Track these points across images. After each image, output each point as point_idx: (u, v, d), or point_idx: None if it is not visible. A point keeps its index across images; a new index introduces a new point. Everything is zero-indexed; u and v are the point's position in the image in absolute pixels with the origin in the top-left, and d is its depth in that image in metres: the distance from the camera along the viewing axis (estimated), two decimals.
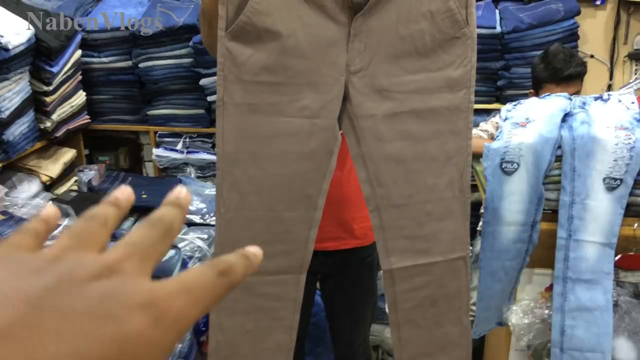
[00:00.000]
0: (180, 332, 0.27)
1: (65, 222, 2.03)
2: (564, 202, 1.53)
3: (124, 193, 0.34)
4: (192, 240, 2.25)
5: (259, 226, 1.18)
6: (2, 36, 2.01)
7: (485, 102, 2.75)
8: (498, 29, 2.59)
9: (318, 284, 1.85)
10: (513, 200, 1.57)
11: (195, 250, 2.23)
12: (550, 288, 1.65)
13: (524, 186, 1.56)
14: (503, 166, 1.57)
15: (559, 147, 1.53)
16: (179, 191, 0.34)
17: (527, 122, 1.62)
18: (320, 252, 1.68)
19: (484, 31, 2.58)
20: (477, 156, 1.78)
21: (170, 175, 2.94)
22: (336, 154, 1.17)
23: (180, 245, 2.16)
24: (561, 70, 2.00)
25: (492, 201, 1.59)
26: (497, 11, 2.70)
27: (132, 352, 0.24)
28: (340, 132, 1.17)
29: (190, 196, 0.34)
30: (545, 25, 2.59)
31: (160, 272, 1.87)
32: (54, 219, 0.33)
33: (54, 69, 2.38)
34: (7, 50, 2.05)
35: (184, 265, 2.02)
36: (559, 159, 1.54)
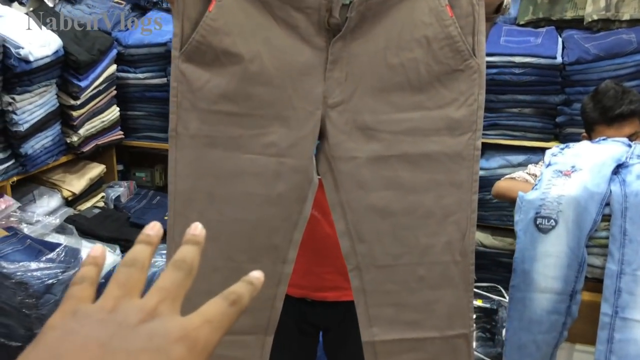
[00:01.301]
0: (208, 354, 0.36)
1: (66, 241, 1.94)
2: (610, 271, 1.27)
3: (153, 229, 0.41)
4: None
5: (217, 278, 1.01)
6: (22, 47, 1.96)
7: (542, 140, 2.47)
8: (559, 60, 2.32)
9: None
10: (548, 264, 1.32)
11: None
12: None
13: (562, 248, 1.30)
14: (538, 222, 1.32)
15: (607, 204, 1.27)
16: (195, 228, 0.41)
17: (573, 171, 1.37)
18: (319, 303, 1.49)
19: (542, 61, 2.33)
20: None
21: None
22: (311, 199, 0.99)
23: None
24: (611, 109, 1.71)
25: (522, 262, 1.34)
26: (559, 40, 2.43)
27: None
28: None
29: (204, 230, 0.41)
30: (614, 57, 2.29)
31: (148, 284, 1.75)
32: (101, 259, 0.41)
33: (82, 83, 2.32)
34: (27, 62, 2.00)
35: None
36: (606, 218, 1.28)
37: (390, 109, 0.93)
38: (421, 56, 0.91)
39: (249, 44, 0.90)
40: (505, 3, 0.97)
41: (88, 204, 2.57)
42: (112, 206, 2.69)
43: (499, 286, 2.44)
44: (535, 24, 2.59)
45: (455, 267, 1.00)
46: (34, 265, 1.75)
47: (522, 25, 2.60)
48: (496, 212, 2.52)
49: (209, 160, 0.96)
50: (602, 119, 1.73)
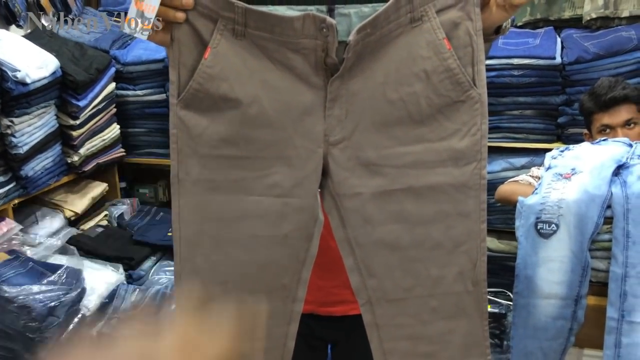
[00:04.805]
0: None
1: (69, 262, 1.93)
2: (615, 274, 1.24)
3: None
4: None
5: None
6: (18, 70, 1.97)
7: (544, 142, 2.45)
8: (558, 60, 2.30)
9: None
10: (551, 269, 1.30)
11: None
12: None
13: (565, 252, 1.28)
14: (538, 227, 1.30)
15: (609, 206, 1.25)
16: None
17: (573, 174, 1.35)
18: (325, 317, 1.49)
19: (542, 62, 2.32)
20: None
21: None
22: (317, 237, 0.99)
23: None
24: (605, 95, 1.75)
25: (524, 268, 1.32)
26: (558, 40, 2.41)
27: None
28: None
29: None
30: (614, 55, 2.26)
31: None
32: None
33: (81, 103, 2.33)
34: (24, 84, 2.00)
35: None
36: (608, 221, 1.25)
37: (392, 143, 0.93)
38: (421, 90, 0.90)
39: (247, 88, 0.90)
40: (505, 25, 0.96)
41: (91, 223, 2.57)
42: (115, 224, 2.68)
43: (506, 291, 2.41)
44: (534, 24, 2.58)
45: (468, 296, 0.99)
46: (35, 288, 1.74)
47: (520, 27, 2.58)
48: (501, 215, 2.49)
49: (212, 204, 0.96)
50: (597, 105, 1.78)
